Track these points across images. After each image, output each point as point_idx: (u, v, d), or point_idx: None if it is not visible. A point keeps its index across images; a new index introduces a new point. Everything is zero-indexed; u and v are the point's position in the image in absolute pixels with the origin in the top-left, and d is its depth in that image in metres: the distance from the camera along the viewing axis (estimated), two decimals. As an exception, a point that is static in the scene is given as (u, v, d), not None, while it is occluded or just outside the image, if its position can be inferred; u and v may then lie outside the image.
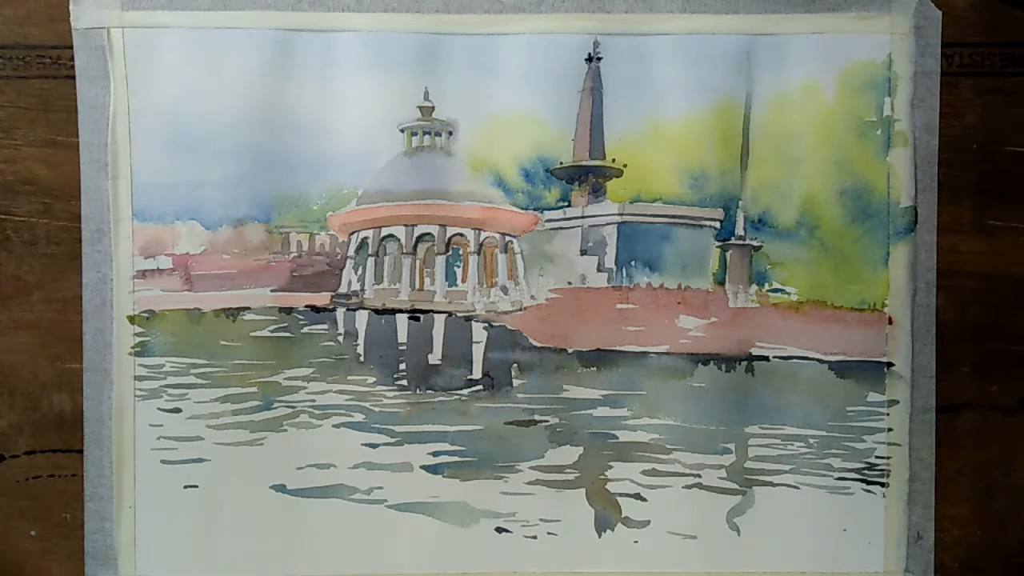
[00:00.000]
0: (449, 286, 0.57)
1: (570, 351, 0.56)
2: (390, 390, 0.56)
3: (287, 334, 0.56)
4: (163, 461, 0.55)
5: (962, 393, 0.56)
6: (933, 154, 0.55)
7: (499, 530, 0.56)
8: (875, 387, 0.55)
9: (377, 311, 0.57)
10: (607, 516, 0.56)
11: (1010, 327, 0.56)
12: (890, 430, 0.55)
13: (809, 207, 0.55)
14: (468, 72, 0.55)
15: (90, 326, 0.55)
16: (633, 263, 0.56)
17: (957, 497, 0.56)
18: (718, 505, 0.56)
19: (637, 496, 0.56)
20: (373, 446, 0.56)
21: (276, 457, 0.56)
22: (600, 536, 0.56)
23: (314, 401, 0.56)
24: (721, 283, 0.56)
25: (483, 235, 0.57)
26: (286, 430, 0.56)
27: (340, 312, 0.56)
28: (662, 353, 0.56)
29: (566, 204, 0.57)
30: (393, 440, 0.56)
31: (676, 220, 0.56)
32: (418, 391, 0.56)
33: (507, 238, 0.57)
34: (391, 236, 0.57)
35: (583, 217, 0.57)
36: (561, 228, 0.57)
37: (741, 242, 0.56)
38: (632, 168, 0.56)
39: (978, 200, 0.56)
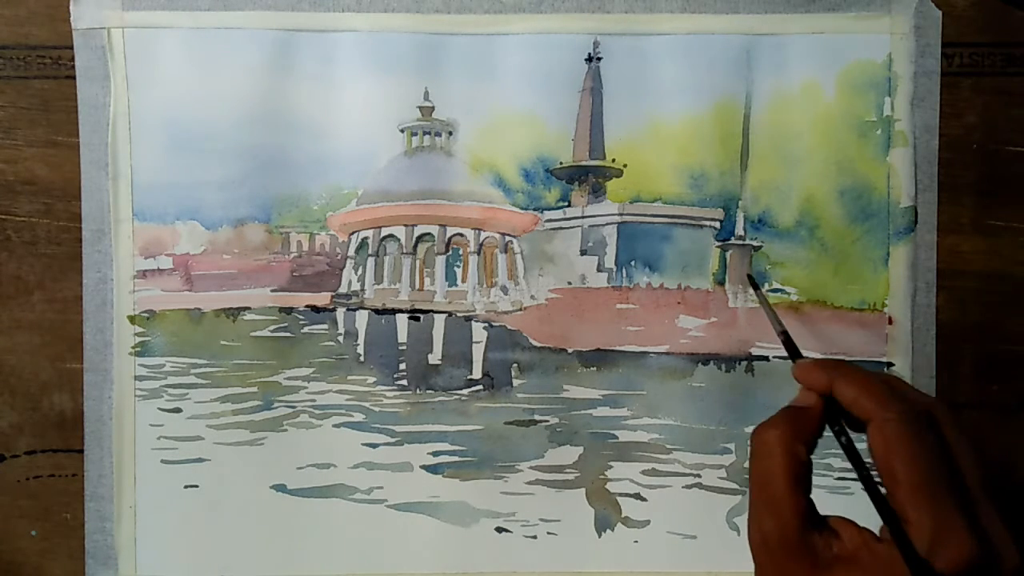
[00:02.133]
0: (449, 286, 0.57)
1: (570, 351, 0.56)
2: (390, 390, 0.56)
3: (287, 334, 0.56)
4: (163, 461, 0.55)
5: (962, 393, 0.56)
6: (933, 154, 0.55)
7: (499, 530, 0.56)
8: (875, 387, 0.55)
9: (377, 311, 0.57)
10: (607, 516, 0.56)
11: (1010, 327, 0.56)
12: (890, 430, 0.54)
13: (809, 207, 0.55)
14: (468, 72, 0.55)
15: (90, 326, 0.55)
16: (633, 263, 0.56)
17: (957, 497, 0.56)
18: (718, 505, 0.56)
19: (637, 496, 0.56)
20: (373, 446, 0.56)
21: (276, 457, 0.56)
22: (600, 536, 0.56)
23: (314, 401, 0.56)
24: (721, 283, 0.56)
25: (483, 235, 0.57)
26: (286, 430, 0.56)
27: (340, 312, 0.56)
28: (662, 353, 0.56)
29: (566, 204, 0.57)
30: (393, 440, 0.56)
31: (676, 220, 0.56)
32: (418, 391, 0.56)
33: (507, 238, 0.57)
34: (391, 236, 0.57)
35: (583, 217, 0.57)
36: (561, 228, 0.57)
37: (741, 242, 0.56)
38: (632, 168, 0.56)
39: (978, 200, 0.56)
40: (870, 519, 0.34)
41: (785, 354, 0.55)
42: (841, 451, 0.36)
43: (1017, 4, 0.55)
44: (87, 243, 0.55)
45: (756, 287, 0.53)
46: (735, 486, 0.56)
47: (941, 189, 0.55)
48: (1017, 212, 0.56)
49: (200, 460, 0.55)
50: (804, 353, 0.55)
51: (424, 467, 0.56)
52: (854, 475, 0.53)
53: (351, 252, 0.57)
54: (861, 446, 0.35)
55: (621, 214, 0.56)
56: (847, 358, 0.55)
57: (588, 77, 0.55)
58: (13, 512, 0.56)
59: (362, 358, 0.56)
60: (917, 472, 0.32)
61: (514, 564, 0.56)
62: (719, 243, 0.56)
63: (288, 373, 0.56)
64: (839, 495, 0.54)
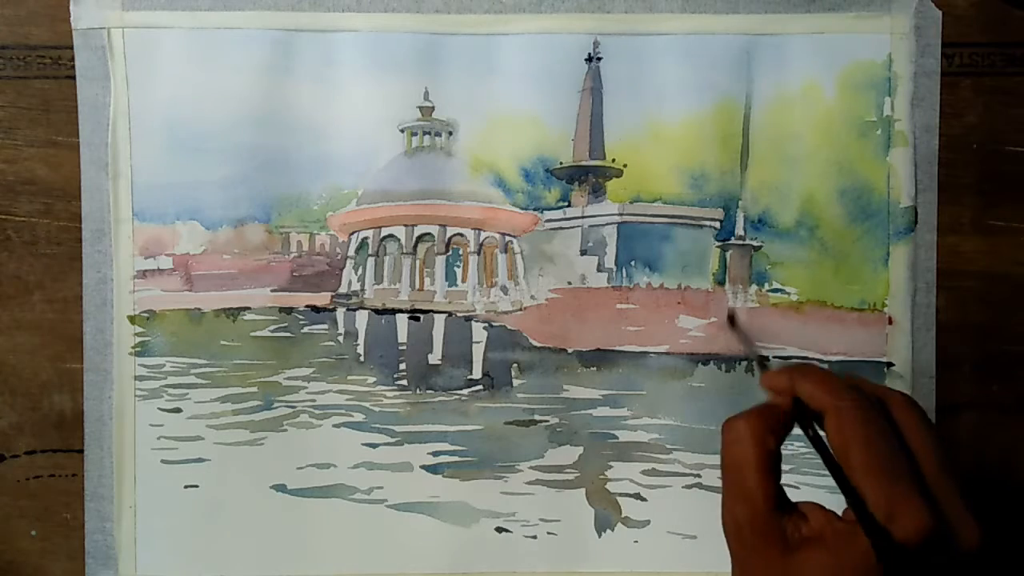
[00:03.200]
0: (449, 286, 0.57)
1: (570, 351, 0.56)
2: (390, 390, 0.56)
3: (287, 334, 0.56)
4: (163, 461, 0.55)
5: (962, 393, 0.56)
6: (933, 154, 0.55)
7: (499, 530, 0.56)
8: (875, 387, 0.55)
9: (377, 311, 0.57)
10: (607, 516, 0.56)
11: (1010, 327, 0.56)
12: (890, 430, 0.54)
13: (809, 207, 0.55)
14: (468, 72, 0.55)
15: (90, 326, 0.55)
16: (633, 263, 0.56)
17: (957, 497, 0.56)
18: (718, 505, 0.56)
19: (637, 496, 0.56)
20: (373, 446, 0.56)
21: (276, 457, 0.56)
22: (600, 536, 0.56)
23: (314, 401, 0.56)
24: (721, 283, 0.56)
25: (483, 235, 0.57)
26: (286, 430, 0.56)
27: (340, 312, 0.56)
28: (662, 353, 0.56)
29: (566, 204, 0.57)
30: (393, 440, 0.56)
31: (676, 220, 0.56)
32: (418, 391, 0.56)
33: (507, 238, 0.57)
34: (391, 236, 0.57)
35: (583, 217, 0.57)
36: (561, 228, 0.57)
37: (741, 242, 0.56)
38: (632, 168, 0.56)
39: (978, 200, 0.56)
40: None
41: (785, 354, 0.56)
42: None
43: (1017, 4, 0.55)
44: (87, 243, 0.55)
45: (733, 323, 0.53)
46: (735, 486, 0.56)
47: (941, 189, 0.55)
48: (1017, 212, 0.56)
49: (200, 460, 0.55)
50: (804, 353, 0.56)
51: (424, 467, 0.56)
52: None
53: (351, 252, 0.57)
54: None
55: (621, 214, 0.56)
56: (847, 358, 0.55)
57: (588, 77, 0.55)
58: (13, 512, 0.56)
59: (362, 358, 0.56)
60: (869, 452, 0.34)
61: (514, 564, 0.56)
62: (719, 243, 0.56)
63: (288, 373, 0.56)
64: (840, 495, 0.54)
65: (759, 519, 0.35)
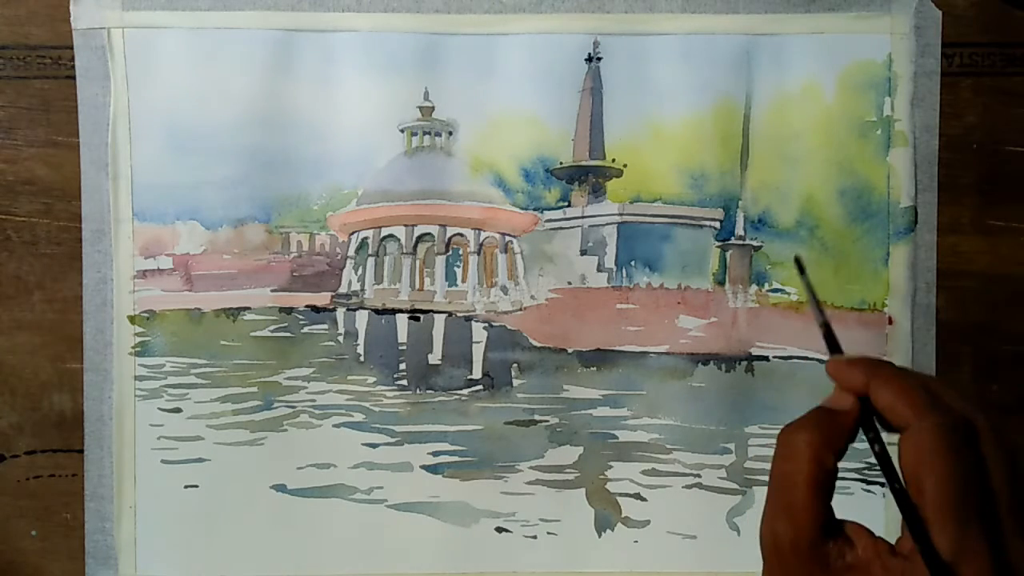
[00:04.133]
0: (449, 286, 0.57)
1: (570, 351, 0.56)
2: (390, 390, 0.56)
3: (287, 334, 0.56)
4: (163, 461, 0.55)
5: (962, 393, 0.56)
6: (933, 154, 0.55)
7: (499, 530, 0.56)
8: (875, 387, 0.55)
9: (377, 311, 0.57)
10: (607, 516, 0.56)
11: (1010, 327, 0.56)
12: (890, 430, 0.54)
13: (809, 207, 0.55)
14: (468, 72, 0.55)
15: (91, 326, 0.55)
16: (633, 263, 0.56)
17: (957, 497, 0.56)
18: (718, 505, 0.56)
19: (637, 496, 0.56)
20: (373, 446, 0.56)
21: (276, 457, 0.56)
22: (600, 536, 0.56)
23: (314, 401, 0.56)
24: (721, 283, 0.56)
25: (483, 235, 0.57)
26: (286, 430, 0.56)
27: (340, 312, 0.56)
28: (662, 353, 0.56)
29: (566, 204, 0.57)
30: (393, 440, 0.56)
31: (676, 220, 0.56)
32: (418, 391, 0.56)
33: (507, 238, 0.57)
34: (391, 236, 0.57)
35: (583, 217, 0.57)
36: (561, 228, 0.57)
37: (741, 242, 0.56)
38: (632, 168, 0.56)
39: (978, 200, 0.56)
40: (871, 524, 0.34)
41: (785, 354, 0.56)
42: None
43: (1017, 4, 0.55)
44: (87, 243, 0.55)
45: (802, 271, 0.47)
46: (735, 486, 0.56)
47: (941, 189, 0.55)
48: (1017, 212, 0.56)
49: (200, 460, 0.55)
50: (803, 353, 0.55)
51: (424, 467, 0.56)
52: (854, 475, 0.54)
53: (351, 252, 0.57)
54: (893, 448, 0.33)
55: (621, 214, 0.56)
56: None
57: (588, 77, 0.55)
58: (13, 512, 0.56)
59: (362, 358, 0.56)
60: (946, 490, 0.30)
61: (514, 564, 0.56)
62: (719, 243, 0.56)
63: (288, 373, 0.56)
64: (839, 495, 0.54)
65: (803, 541, 0.32)
